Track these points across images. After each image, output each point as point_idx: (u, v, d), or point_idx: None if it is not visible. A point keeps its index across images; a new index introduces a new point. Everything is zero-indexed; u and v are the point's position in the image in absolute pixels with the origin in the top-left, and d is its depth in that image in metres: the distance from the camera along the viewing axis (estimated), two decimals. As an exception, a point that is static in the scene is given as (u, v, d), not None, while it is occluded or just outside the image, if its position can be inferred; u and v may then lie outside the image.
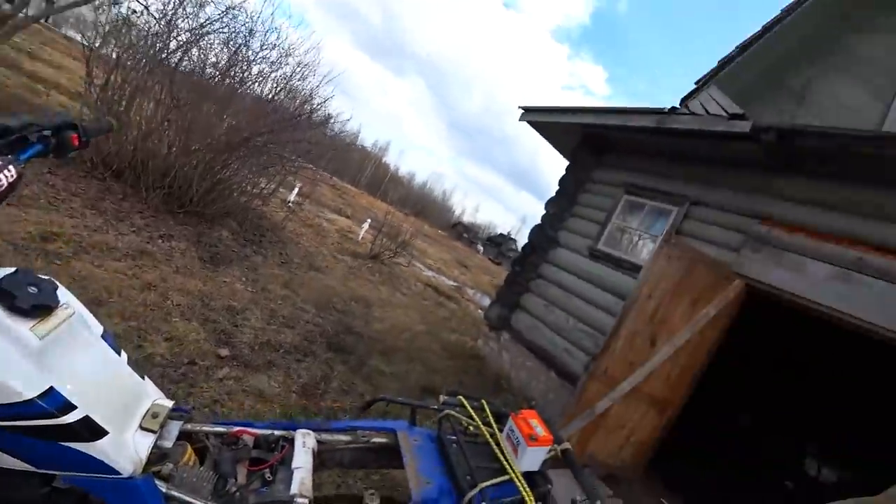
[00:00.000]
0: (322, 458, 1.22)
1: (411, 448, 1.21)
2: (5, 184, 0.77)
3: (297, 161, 6.59)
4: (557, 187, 5.70)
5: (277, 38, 5.94)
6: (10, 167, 0.78)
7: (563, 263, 5.34)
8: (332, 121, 7.55)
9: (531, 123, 5.97)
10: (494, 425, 1.30)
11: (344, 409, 2.89)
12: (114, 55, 5.29)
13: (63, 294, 0.87)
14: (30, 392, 0.73)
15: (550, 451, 1.20)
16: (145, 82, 5.16)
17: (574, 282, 5.11)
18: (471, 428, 1.30)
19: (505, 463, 1.16)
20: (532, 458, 1.14)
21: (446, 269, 16.41)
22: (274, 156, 5.88)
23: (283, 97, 6.20)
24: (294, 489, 0.99)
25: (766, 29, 4.68)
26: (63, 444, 0.78)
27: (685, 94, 4.46)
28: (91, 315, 0.94)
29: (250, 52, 5.80)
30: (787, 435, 6.34)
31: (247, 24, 5.70)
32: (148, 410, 0.95)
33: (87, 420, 0.79)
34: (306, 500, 0.96)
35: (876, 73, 4.38)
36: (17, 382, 0.72)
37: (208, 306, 3.34)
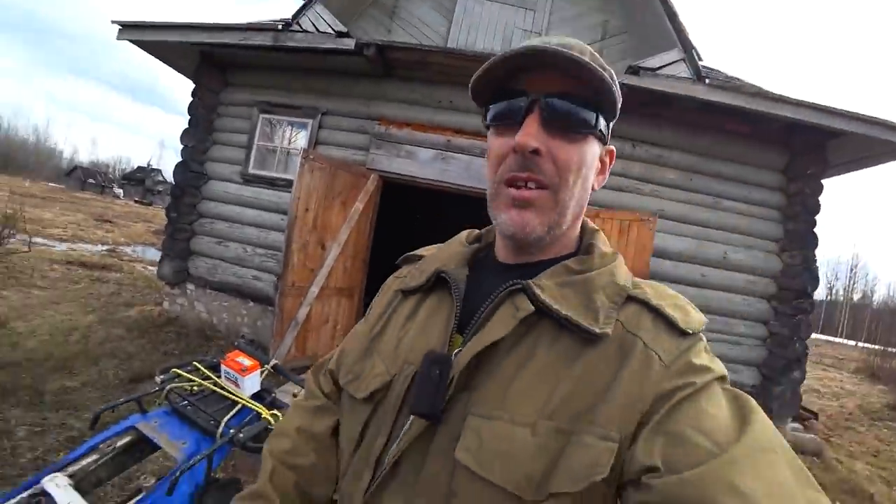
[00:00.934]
0: (84, 488, 1.18)
1: (155, 429, 1.31)
2: None
3: None
4: (188, 116, 5.29)
5: None
6: None
7: (221, 196, 5.28)
8: None
9: (135, 43, 5.11)
10: (213, 376, 1.50)
11: (55, 448, 2.42)
12: None
13: None
14: None
15: (263, 371, 1.51)
16: None
17: (237, 211, 5.19)
18: (195, 389, 1.46)
19: (232, 396, 1.41)
20: (251, 384, 1.43)
21: (85, 234, 13.24)
22: None
23: None
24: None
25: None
26: None
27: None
28: None
29: None
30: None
31: None
32: None
33: None
34: (79, 499, 1.00)
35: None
36: None
37: None
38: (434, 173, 4.67)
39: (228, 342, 4.55)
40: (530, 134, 0.53)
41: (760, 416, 0.47)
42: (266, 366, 1.53)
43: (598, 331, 0.51)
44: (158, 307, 5.38)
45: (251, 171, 5.16)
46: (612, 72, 0.56)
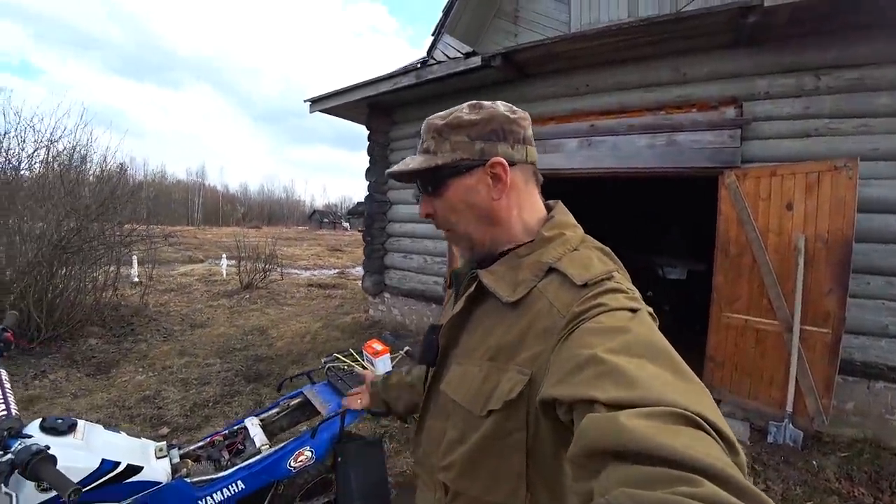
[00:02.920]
0: (269, 431, 1.93)
1: (315, 395, 1.98)
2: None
3: (120, 237, 6.36)
4: (368, 157, 6.44)
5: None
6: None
7: (402, 217, 6.25)
8: (124, 169, 7.30)
9: (322, 111, 6.51)
10: (360, 359, 2.09)
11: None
12: None
13: (78, 418, 1.43)
14: (92, 465, 1.32)
15: (396, 356, 2.03)
16: None
17: (416, 228, 6.05)
18: (345, 368, 2.08)
19: (366, 372, 1.96)
20: (382, 364, 1.96)
21: (322, 262, 16.66)
22: (98, 246, 5.72)
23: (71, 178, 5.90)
24: (258, 444, 1.71)
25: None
26: (123, 483, 1.39)
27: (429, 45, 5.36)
28: (93, 423, 1.50)
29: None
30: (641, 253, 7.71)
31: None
32: (155, 449, 1.57)
33: (128, 466, 1.41)
34: (267, 445, 1.70)
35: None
36: (84, 464, 1.31)
37: (124, 406, 3.62)
38: (580, 161, 4.60)
39: (416, 337, 5.45)
40: (423, 205, 0.82)
41: (636, 324, 0.56)
42: (399, 351, 2.05)
43: (506, 298, 0.70)
44: (365, 314, 6.75)
45: (423, 192, 6.03)
46: (455, 121, 0.75)
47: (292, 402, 2.02)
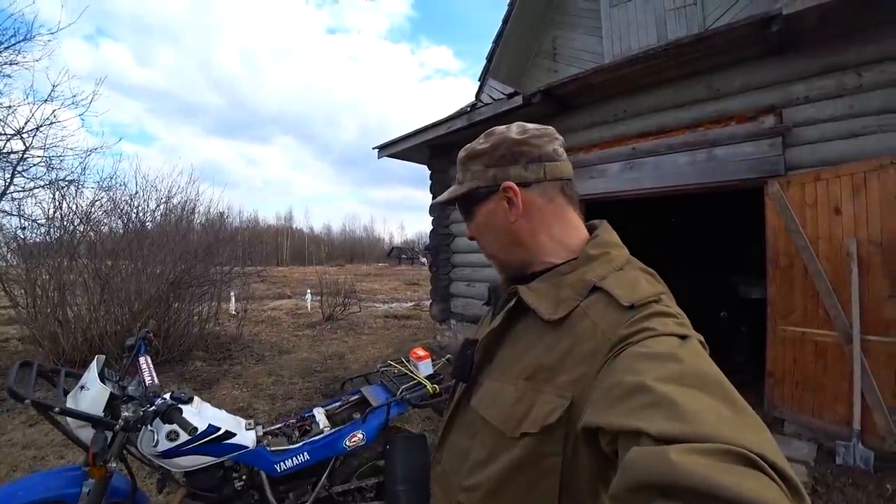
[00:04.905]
0: (333, 421, 2.34)
1: (370, 392, 2.37)
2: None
3: (221, 275, 7.42)
4: (430, 195, 6.98)
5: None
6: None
7: (464, 248, 6.64)
8: (226, 217, 8.48)
9: (388, 156, 7.21)
10: (409, 365, 2.46)
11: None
12: (21, 269, 5.84)
13: (194, 395, 1.94)
14: (202, 427, 1.80)
15: (438, 362, 2.38)
16: (61, 277, 5.71)
17: (477, 258, 6.40)
18: (396, 372, 2.46)
19: (410, 375, 2.32)
20: (424, 367, 2.31)
21: (399, 295, 17.47)
22: (203, 283, 6.74)
23: (183, 227, 7.08)
24: (321, 425, 2.12)
25: (507, 18, 6.21)
26: (222, 444, 1.85)
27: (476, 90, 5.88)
28: (202, 401, 2.01)
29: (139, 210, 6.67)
30: (718, 273, 7.61)
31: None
32: (245, 423, 2.04)
33: (226, 432, 1.86)
34: (329, 428, 2.10)
35: (588, 17, 5.99)
36: (196, 424, 1.78)
37: (222, 414, 4.27)
38: (623, 184, 4.74)
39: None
40: (468, 231, 0.86)
41: (687, 352, 0.53)
42: (442, 358, 2.39)
43: (547, 316, 0.67)
44: (434, 340, 7.13)
45: (481, 224, 6.44)
46: (481, 150, 0.78)
47: (352, 399, 2.43)
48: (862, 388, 3.12)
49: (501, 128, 0.79)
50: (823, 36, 3.43)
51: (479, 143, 0.79)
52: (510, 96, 5.25)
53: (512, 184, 0.74)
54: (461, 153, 0.82)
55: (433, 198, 6.96)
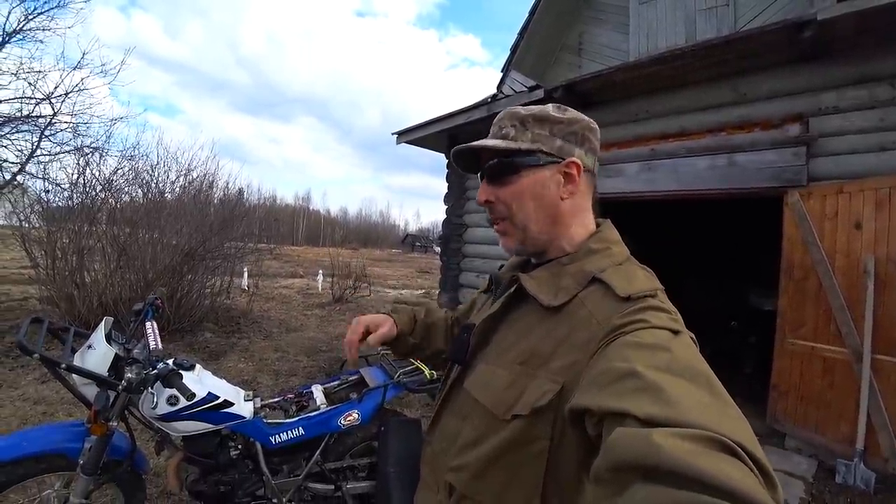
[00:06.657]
0: (331, 399, 2.38)
1: (369, 373, 2.39)
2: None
3: (235, 250, 7.52)
4: (446, 184, 6.97)
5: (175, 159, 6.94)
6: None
7: (476, 238, 6.63)
8: (244, 194, 8.58)
9: (407, 143, 7.20)
10: None
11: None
12: (43, 231, 5.97)
13: (196, 362, 1.99)
14: (201, 394, 1.84)
15: None
16: (80, 242, 5.81)
17: (489, 249, 6.39)
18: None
19: (409, 359, 2.34)
20: None
21: (410, 283, 17.55)
22: (217, 257, 6.85)
23: (201, 200, 7.19)
24: (318, 404, 2.16)
25: (533, 10, 6.11)
26: (220, 412, 1.89)
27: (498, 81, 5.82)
28: (204, 370, 2.06)
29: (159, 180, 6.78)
30: (732, 280, 7.58)
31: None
32: (244, 394, 2.09)
33: (224, 401, 1.91)
34: (325, 405, 2.14)
35: (616, 14, 5.86)
36: (196, 391, 1.83)
37: (227, 385, 4.37)
38: (641, 185, 4.66)
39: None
40: (481, 192, 0.80)
41: (677, 345, 0.54)
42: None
43: (547, 303, 0.68)
44: (440, 328, 7.15)
45: (492, 214, 6.42)
46: (538, 114, 0.76)
47: (350, 378, 2.46)
48: (868, 407, 3.06)
49: (573, 109, 0.79)
50: (858, 44, 3.32)
51: (552, 111, 0.77)
52: (532, 89, 5.20)
53: (579, 161, 0.75)
54: (519, 110, 0.78)
55: (449, 187, 6.94)
